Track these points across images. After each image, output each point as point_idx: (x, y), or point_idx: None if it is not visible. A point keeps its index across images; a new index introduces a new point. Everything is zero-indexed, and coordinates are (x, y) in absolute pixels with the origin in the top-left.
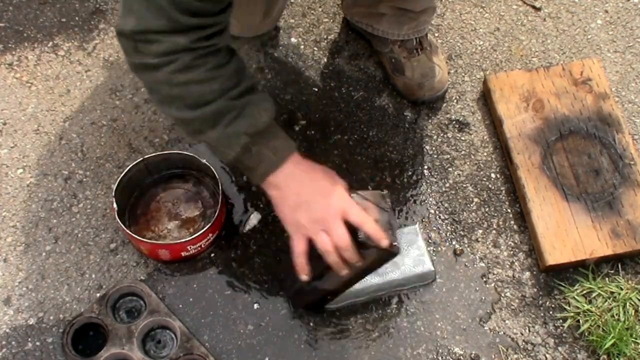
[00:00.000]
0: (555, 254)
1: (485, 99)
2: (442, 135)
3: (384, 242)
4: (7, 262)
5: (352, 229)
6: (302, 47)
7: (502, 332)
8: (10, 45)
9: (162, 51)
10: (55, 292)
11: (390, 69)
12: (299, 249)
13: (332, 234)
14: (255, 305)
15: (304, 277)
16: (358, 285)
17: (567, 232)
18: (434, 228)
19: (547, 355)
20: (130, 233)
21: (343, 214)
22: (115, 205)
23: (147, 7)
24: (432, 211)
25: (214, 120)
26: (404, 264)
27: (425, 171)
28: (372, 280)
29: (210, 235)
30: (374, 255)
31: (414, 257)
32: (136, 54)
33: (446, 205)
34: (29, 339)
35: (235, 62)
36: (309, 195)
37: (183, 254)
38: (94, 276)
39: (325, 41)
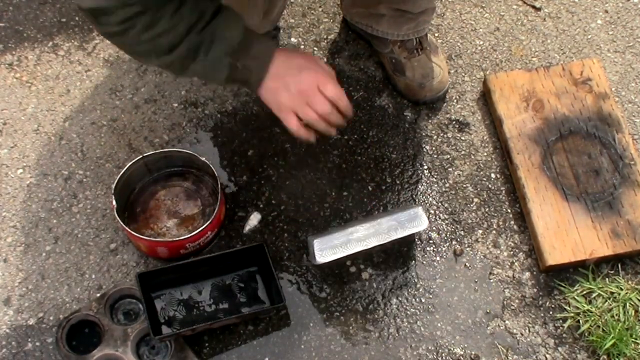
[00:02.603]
0: (555, 254)
1: (485, 99)
2: (442, 135)
3: (349, 114)
4: (7, 262)
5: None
6: (302, 47)
7: (502, 332)
8: (10, 45)
9: (120, 20)
10: (55, 293)
11: (390, 70)
12: (292, 124)
13: (313, 104)
14: None
15: (312, 140)
16: (345, 238)
17: (567, 232)
18: (434, 228)
19: (547, 356)
20: (129, 230)
21: (320, 86)
22: (114, 202)
23: None
24: (432, 211)
25: (193, 54)
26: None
27: (425, 171)
28: (360, 224)
29: (209, 233)
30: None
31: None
32: (99, 25)
33: (446, 205)
34: (29, 339)
35: None
36: (285, 73)
37: (181, 251)
38: (93, 276)
39: (325, 41)
